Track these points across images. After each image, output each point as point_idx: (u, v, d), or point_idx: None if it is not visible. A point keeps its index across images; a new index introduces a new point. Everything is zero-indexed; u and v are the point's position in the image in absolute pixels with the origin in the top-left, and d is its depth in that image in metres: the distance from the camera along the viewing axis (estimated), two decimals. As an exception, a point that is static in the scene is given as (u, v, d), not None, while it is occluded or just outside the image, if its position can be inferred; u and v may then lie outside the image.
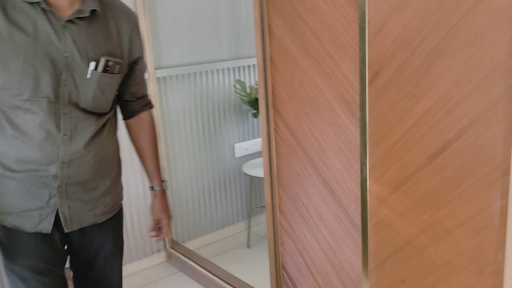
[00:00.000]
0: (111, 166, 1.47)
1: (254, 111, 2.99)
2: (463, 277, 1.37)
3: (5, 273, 1.41)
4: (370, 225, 1.59)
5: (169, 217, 1.65)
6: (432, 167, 1.37)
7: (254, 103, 2.88)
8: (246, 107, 3.05)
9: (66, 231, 1.39)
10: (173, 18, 2.67)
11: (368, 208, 1.58)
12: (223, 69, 2.92)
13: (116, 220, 1.53)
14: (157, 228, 1.64)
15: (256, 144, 3.14)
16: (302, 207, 1.85)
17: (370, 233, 1.60)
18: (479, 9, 1.17)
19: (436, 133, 1.34)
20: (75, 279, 1.56)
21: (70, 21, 1.29)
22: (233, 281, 2.47)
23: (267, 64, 1.82)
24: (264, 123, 1.89)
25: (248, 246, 2.94)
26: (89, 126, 1.36)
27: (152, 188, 1.63)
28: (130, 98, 1.54)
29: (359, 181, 1.60)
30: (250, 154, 3.12)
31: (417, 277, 1.49)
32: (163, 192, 1.64)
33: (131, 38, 1.43)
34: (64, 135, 1.31)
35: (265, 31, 1.79)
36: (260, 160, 3.03)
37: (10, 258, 1.38)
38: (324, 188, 1.73)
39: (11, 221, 1.35)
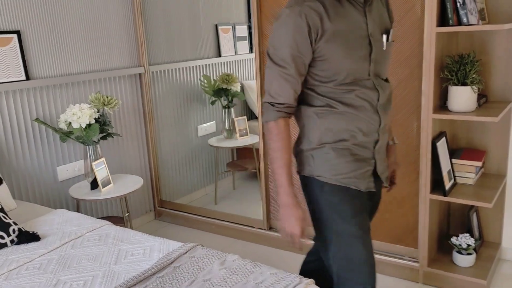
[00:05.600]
0: None
1: (213, 100, 3.87)
2: (396, 169, 2.48)
3: (330, 235, 1.51)
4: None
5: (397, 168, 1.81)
6: (378, 110, 2.46)
7: (216, 92, 3.76)
8: (205, 96, 3.92)
9: (385, 185, 1.64)
10: (163, 24, 3.44)
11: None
12: (188, 67, 3.75)
13: None
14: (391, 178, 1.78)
15: (212, 126, 4.01)
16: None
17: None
18: (400, 23, 2.30)
19: (379, 90, 2.43)
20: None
21: (366, 3, 1.45)
22: (224, 217, 3.28)
23: (260, 36, 2.77)
24: (258, 68, 2.84)
25: (215, 203, 3.79)
26: (389, 93, 1.56)
27: (387, 143, 1.71)
28: None
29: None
30: (208, 134, 3.98)
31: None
32: (393, 147, 1.77)
33: (387, 5, 1.60)
34: (381, 104, 1.49)
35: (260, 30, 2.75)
36: (217, 137, 3.93)
37: (343, 219, 1.48)
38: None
39: (352, 183, 1.49)
